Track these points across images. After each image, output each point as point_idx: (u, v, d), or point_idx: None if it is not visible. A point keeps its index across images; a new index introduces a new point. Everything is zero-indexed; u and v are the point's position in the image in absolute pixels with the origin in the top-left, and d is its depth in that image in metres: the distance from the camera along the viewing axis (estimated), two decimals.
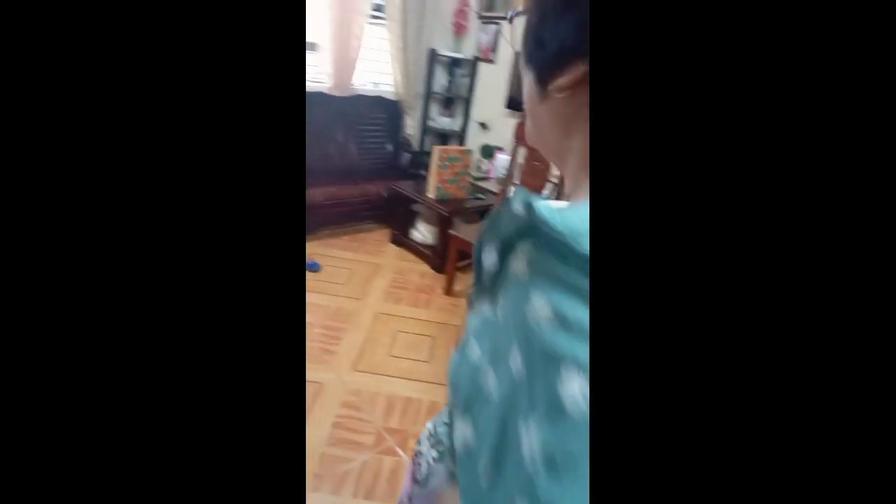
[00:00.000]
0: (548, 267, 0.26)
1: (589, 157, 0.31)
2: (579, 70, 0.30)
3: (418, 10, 3.14)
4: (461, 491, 0.30)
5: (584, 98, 0.31)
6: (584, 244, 0.25)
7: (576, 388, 0.24)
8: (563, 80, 0.31)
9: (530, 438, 0.25)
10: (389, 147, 3.40)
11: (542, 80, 0.33)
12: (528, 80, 0.35)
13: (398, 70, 3.23)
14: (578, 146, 0.33)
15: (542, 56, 0.33)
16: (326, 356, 1.89)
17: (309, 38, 2.94)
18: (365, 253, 2.84)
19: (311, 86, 2.96)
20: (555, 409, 0.24)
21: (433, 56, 3.36)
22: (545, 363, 0.25)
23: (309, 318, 2.12)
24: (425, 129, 3.58)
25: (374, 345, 2.02)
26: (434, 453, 0.57)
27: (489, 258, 0.31)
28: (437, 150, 2.61)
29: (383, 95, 3.30)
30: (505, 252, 0.30)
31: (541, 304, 0.26)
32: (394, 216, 3.01)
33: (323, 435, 1.51)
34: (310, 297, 2.27)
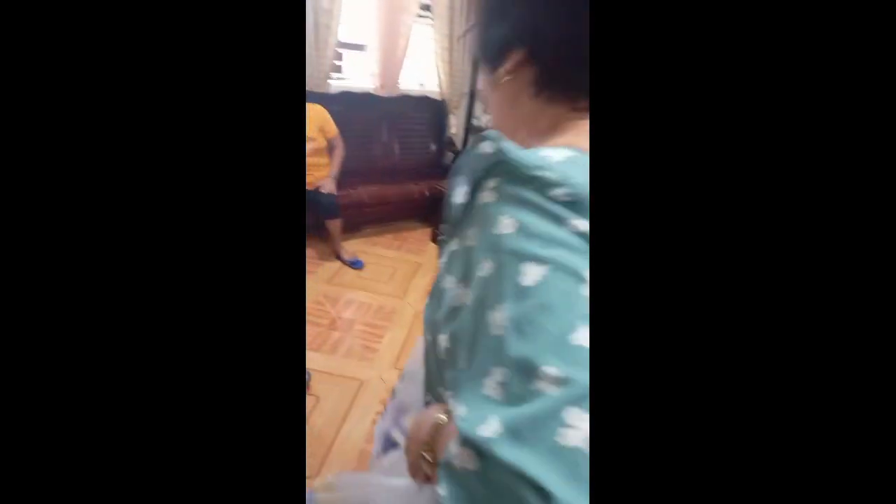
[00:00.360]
0: (513, 192, 0.31)
1: (538, 124, 0.41)
2: (516, 57, 0.39)
3: (466, 9, 3.13)
4: (452, 388, 0.33)
5: (523, 78, 0.40)
6: (543, 172, 0.31)
7: (537, 274, 0.28)
8: (506, 67, 0.40)
9: (499, 319, 0.29)
10: (433, 147, 3.40)
11: (492, 71, 0.42)
12: (483, 76, 0.45)
13: (443, 70, 3.23)
14: (523, 115, 0.42)
15: (490, 52, 0.42)
16: (368, 353, 1.92)
17: (356, 38, 3.00)
18: (407, 251, 2.87)
19: (358, 86, 3.01)
20: (519, 291, 0.28)
21: None
22: (511, 261, 0.29)
23: (351, 315, 2.16)
24: (469, 128, 3.56)
25: (414, 343, 2.03)
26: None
27: (460, 192, 0.36)
28: None
29: (428, 95, 3.31)
30: (474, 190, 0.35)
31: (507, 221, 0.30)
32: (436, 215, 3.02)
33: (362, 432, 1.53)
34: (353, 294, 2.31)
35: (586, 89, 0.38)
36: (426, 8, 3.09)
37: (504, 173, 0.32)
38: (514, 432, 0.25)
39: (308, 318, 2.12)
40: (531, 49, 0.39)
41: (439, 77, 3.28)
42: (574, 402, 0.25)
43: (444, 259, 0.38)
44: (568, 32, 0.37)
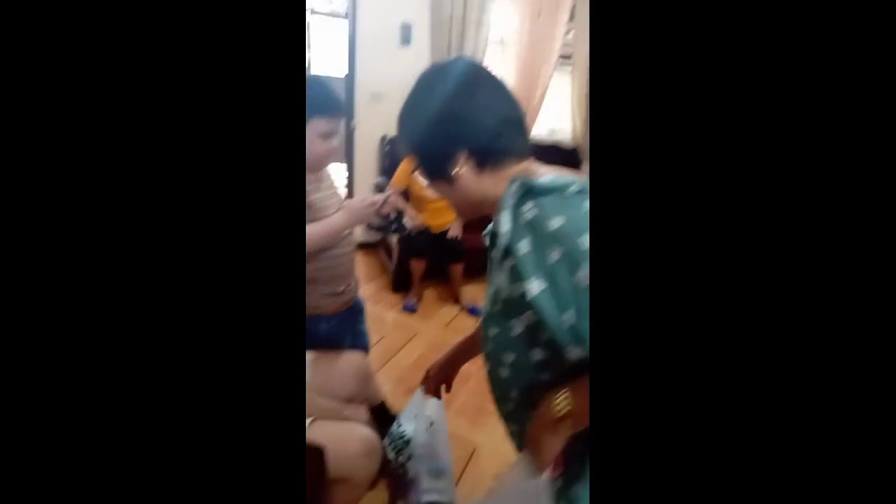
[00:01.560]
0: (545, 202, 0.53)
1: (496, 188, 0.60)
2: (461, 156, 0.58)
3: None
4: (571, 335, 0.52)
5: (469, 171, 0.59)
6: (554, 183, 0.55)
7: (586, 240, 0.49)
8: (458, 168, 0.59)
9: (582, 275, 0.49)
10: None
11: (442, 174, 0.60)
12: (433, 181, 0.63)
13: (578, 117, 3.12)
14: (482, 189, 0.60)
15: (439, 163, 0.60)
16: (482, 417, 1.78)
17: None
18: None
19: None
20: (585, 254, 0.49)
21: None
22: (572, 240, 0.50)
23: (467, 366, 2.06)
24: None
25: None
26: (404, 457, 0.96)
27: (506, 221, 0.55)
28: None
29: (560, 143, 3.21)
30: (515, 218, 0.55)
31: (556, 219, 0.51)
32: None
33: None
34: None
35: (512, 152, 0.59)
36: (566, 57, 3.04)
37: (533, 194, 0.54)
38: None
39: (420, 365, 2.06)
40: (468, 146, 0.57)
41: (574, 125, 3.17)
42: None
43: (501, 281, 0.58)
44: (489, 121, 0.57)
